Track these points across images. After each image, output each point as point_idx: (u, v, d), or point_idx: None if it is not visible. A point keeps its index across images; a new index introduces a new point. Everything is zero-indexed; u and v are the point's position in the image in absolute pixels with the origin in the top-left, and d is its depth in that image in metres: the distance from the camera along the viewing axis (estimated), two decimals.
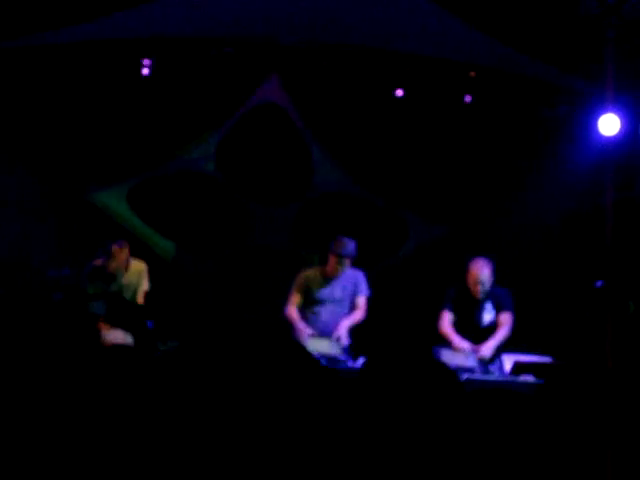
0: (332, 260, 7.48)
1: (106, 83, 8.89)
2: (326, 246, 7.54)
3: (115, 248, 7.74)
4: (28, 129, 9.00)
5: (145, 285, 7.93)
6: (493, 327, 7.22)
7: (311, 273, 7.63)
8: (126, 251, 7.80)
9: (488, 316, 7.25)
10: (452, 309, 7.28)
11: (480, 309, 7.26)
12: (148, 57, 8.66)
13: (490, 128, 8.94)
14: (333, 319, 7.46)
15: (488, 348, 7.01)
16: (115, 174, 9.44)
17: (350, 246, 7.46)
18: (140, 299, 7.90)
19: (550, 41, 7.99)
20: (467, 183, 9.12)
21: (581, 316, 8.16)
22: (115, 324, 7.06)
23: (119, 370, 6.25)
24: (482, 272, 7.18)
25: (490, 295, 7.25)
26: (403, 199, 9.32)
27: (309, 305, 7.56)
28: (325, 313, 7.53)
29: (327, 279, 7.56)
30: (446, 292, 7.38)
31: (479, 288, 7.17)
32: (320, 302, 7.54)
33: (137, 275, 7.92)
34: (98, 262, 7.81)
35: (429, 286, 7.97)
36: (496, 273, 7.34)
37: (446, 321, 7.27)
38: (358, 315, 7.51)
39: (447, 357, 6.48)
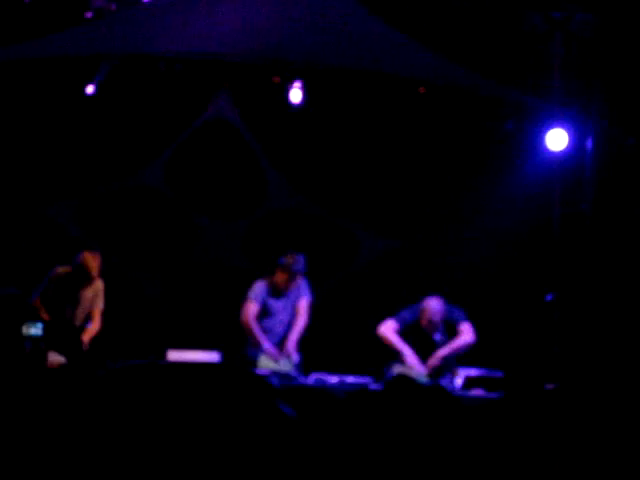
0: (281, 275, 7.45)
1: (59, 100, 8.83)
2: (275, 259, 7.52)
3: (87, 254, 7.58)
4: None
5: (101, 304, 7.73)
6: (444, 342, 7.27)
7: (264, 284, 7.59)
8: (98, 259, 7.61)
9: (440, 343, 7.27)
10: (401, 325, 7.32)
11: (432, 340, 7.29)
12: (96, 74, 8.60)
13: (439, 143, 8.98)
14: (283, 330, 7.48)
15: (437, 357, 7.06)
16: (68, 190, 9.34)
17: (300, 262, 7.46)
18: (96, 319, 7.69)
19: (497, 57, 8.07)
20: (417, 197, 9.14)
21: (531, 329, 8.23)
22: (51, 347, 6.89)
23: (61, 391, 6.20)
24: (435, 313, 7.24)
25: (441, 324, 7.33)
26: (353, 214, 9.33)
27: (261, 315, 7.53)
28: (277, 324, 7.52)
29: (279, 291, 7.53)
30: (403, 310, 7.41)
31: (432, 326, 7.23)
32: (272, 314, 7.52)
33: (94, 292, 7.72)
34: (63, 269, 7.66)
35: (380, 300, 7.95)
36: (445, 287, 7.41)
37: (390, 327, 7.30)
38: (301, 322, 7.50)
39: (399, 371, 6.49)
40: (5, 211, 9.16)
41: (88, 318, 7.72)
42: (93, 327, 7.66)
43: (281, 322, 7.54)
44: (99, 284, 7.73)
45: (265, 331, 7.45)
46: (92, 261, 7.53)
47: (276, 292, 7.54)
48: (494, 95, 7.88)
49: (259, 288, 7.54)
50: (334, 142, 9.20)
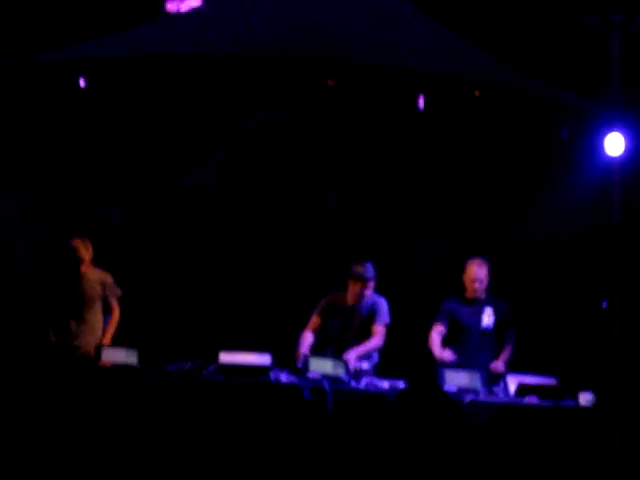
0: (353, 285, 7.38)
1: (113, 101, 8.90)
2: (344, 271, 7.45)
3: (77, 239, 7.57)
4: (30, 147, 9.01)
5: (115, 293, 7.69)
6: (493, 333, 7.20)
7: (334, 299, 7.52)
8: (89, 247, 7.58)
9: (487, 319, 7.24)
10: (445, 321, 7.26)
11: (479, 312, 7.24)
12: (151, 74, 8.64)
13: (494, 148, 8.89)
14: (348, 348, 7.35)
15: (499, 365, 7.01)
16: (122, 192, 9.42)
17: (370, 268, 7.40)
18: (115, 309, 7.67)
19: (555, 60, 7.95)
20: (471, 203, 9.06)
21: (587, 337, 8.10)
22: None
23: (121, 392, 6.24)
24: (478, 270, 7.24)
25: (491, 302, 7.25)
26: (408, 219, 9.27)
27: (327, 331, 7.48)
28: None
29: (349, 308, 7.45)
30: (440, 306, 7.35)
31: (476, 286, 7.21)
32: (341, 331, 7.46)
33: (99, 283, 7.68)
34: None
35: (430, 306, 7.86)
36: (499, 291, 7.33)
37: (435, 334, 7.29)
38: (373, 343, 7.37)
39: (451, 379, 6.42)
40: (60, 213, 9.27)
41: (94, 314, 7.67)
42: (114, 319, 7.67)
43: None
44: (104, 276, 7.69)
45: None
46: (82, 246, 7.55)
47: (347, 307, 7.45)
48: (551, 99, 7.77)
49: (325, 303, 7.53)
50: (390, 146, 9.17)
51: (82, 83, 8.62)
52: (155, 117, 9.27)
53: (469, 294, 7.28)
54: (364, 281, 7.35)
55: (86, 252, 7.51)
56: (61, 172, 9.23)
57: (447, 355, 7.06)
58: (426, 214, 9.14)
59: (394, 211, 9.26)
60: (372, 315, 7.44)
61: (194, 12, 8.43)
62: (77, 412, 6.16)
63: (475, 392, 6.39)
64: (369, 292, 7.41)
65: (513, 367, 7.25)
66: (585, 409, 6.05)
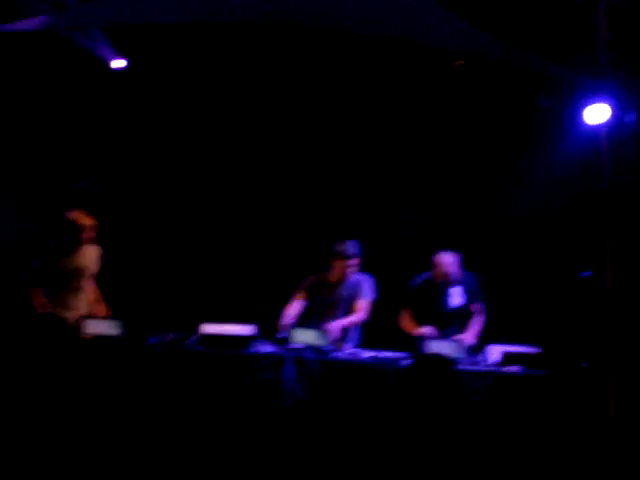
0: (337, 264, 7.41)
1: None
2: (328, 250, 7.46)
3: (71, 213, 7.45)
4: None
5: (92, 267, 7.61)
6: (461, 311, 7.24)
7: (318, 278, 7.55)
8: (92, 220, 7.47)
9: (456, 299, 7.29)
10: (412, 303, 7.35)
11: (445, 294, 7.29)
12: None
13: (476, 118, 8.88)
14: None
15: (472, 337, 7.04)
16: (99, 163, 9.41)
17: (353, 246, 7.42)
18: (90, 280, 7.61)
19: (537, 29, 7.91)
20: (454, 173, 9.07)
21: (568, 306, 8.13)
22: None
23: (103, 363, 6.24)
24: (446, 262, 7.26)
25: (461, 280, 7.32)
26: (392, 191, 9.27)
27: (310, 308, 7.50)
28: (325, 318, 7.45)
29: (333, 285, 7.49)
30: (408, 287, 7.41)
31: (441, 277, 7.27)
32: (324, 307, 7.49)
33: (96, 256, 7.62)
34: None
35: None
36: (470, 262, 7.36)
37: (405, 317, 7.37)
38: (356, 317, 7.41)
39: (436, 347, 6.45)
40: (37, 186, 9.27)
41: (89, 286, 7.60)
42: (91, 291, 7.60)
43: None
44: (94, 247, 7.61)
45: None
46: (81, 217, 7.44)
47: (329, 284, 7.48)
48: (535, 68, 7.74)
49: (307, 282, 7.55)
50: (370, 116, 9.15)
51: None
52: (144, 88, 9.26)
53: (439, 283, 7.30)
54: (346, 258, 7.37)
55: (86, 222, 7.44)
56: (36, 145, 9.22)
57: (425, 329, 7.09)
58: (410, 184, 9.14)
59: (378, 183, 9.26)
60: (356, 292, 7.46)
61: None
62: (58, 383, 6.16)
63: (457, 361, 6.42)
64: (352, 269, 7.42)
65: (495, 338, 7.27)
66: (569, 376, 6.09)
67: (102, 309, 7.50)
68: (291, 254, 9.09)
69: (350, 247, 7.42)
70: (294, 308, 7.41)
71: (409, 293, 7.41)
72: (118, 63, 8.94)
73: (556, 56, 7.73)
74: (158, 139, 9.48)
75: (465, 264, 7.39)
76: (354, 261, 7.42)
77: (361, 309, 7.40)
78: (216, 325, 6.65)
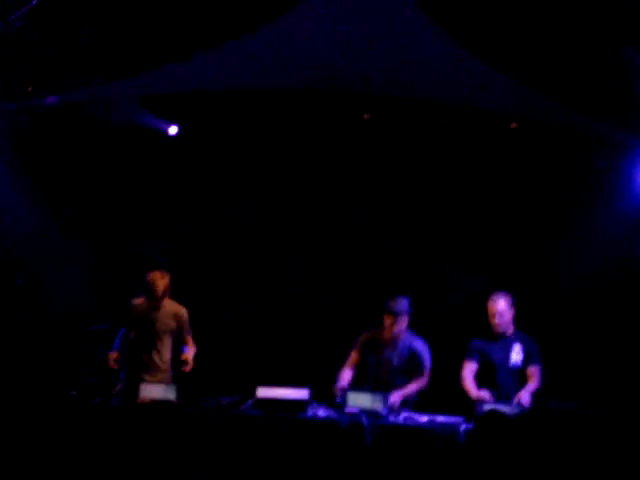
0: (386, 320, 7.39)
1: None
2: (379, 307, 7.45)
3: (154, 274, 7.53)
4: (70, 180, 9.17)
5: (189, 330, 7.66)
6: (521, 370, 7.16)
7: (372, 335, 7.53)
8: (166, 279, 7.54)
9: (516, 357, 7.21)
10: (476, 358, 7.26)
11: (507, 349, 7.20)
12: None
13: (530, 179, 8.86)
14: (390, 385, 7.33)
15: (524, 397, 6.93)
16: (159, 227, 9.53)
17: (403, 302, 7.41)
18: (191, 343, 7.62)
19: (591, 90, 7.91)
20: (507, 235, 9.03)
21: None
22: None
23: (160, 428, 6.24)
24: (498, 303, 7.18)
25: (519, 338, 7.24)
26: (442, 252, 9.25)
27: (365, 367, 7.48)
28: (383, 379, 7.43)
29: (386, 343, 7.45)
30: (469, 342, 7.34)
31: (496, 321, 7.16)
32: (378, 367, 7.46)
33: (174, 317, 7.63)
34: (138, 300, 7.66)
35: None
36: (533, 323, 7.27)
37: (467, 371, 7.26)
38: (417, 386, 7.37)
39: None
40: (99, 251, 9.39)
41: (168, 348, 7.63)
42: (190, 351, 7.57)
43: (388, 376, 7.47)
44: (181, 310, 7.66)
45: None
46: (159, 279, 7.49)
47: (384, 342, 7.46)
48: (590, 132, 7.74)
49: (362, 340, 7.53)
50: (423, 180, 9.18)
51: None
52: (197, 152, 9.41)
53: (494, 330, 7.23)
54: (395, 314, 7.34)
55: (162, 284, 7.52)
56: (104, 205, 9.38)
57: (484, 394, 7.00)
58: (461, 248, 9.11)
59: (430, 245, 9.25)
60: (413, 355, 7.43)
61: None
62: (115, 448, 6.17)
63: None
64: (402, 326, 7.39)
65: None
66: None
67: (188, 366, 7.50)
68: (345, 314, 9.07)
69: (399, 302, 7.39)
70: (348, 371, 7.40)
71: (471, 347, 7.31)
72: (172, 130, 9.14)
73: (610, 116, 7.73)
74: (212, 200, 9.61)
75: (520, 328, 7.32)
76: (403, 317, 7.38)
77: (424, 377, 7.38)
78: (272, 389, 6.63)
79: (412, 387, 7.33)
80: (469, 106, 8.09)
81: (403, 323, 7.40)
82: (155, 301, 7.52)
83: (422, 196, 9.23)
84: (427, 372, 7.40)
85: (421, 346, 7.45)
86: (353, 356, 7.49)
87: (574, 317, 8.51)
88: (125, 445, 6.20)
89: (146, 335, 7.56)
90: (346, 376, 7.37)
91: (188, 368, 7.43)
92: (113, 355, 7.36)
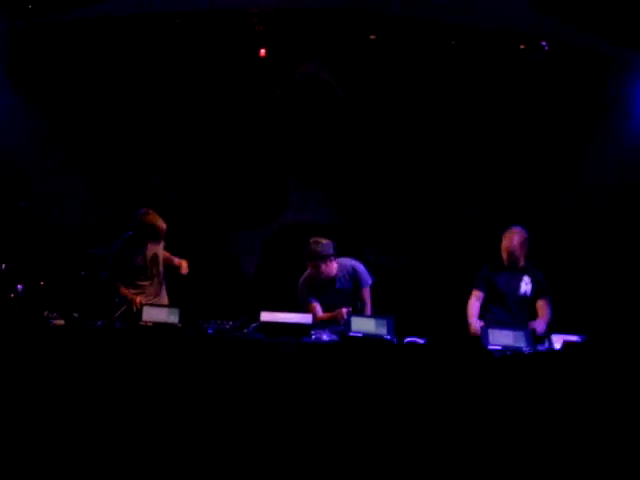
0: (309, 265, 7.29)
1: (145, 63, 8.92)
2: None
3: (153, 215, 7.36)
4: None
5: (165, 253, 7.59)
6: (530, 299, 7.14)
7: (308, 280, 7.38)
8: (159, 218, 7.37)
9: (525, 287, 7.18)
10: (483, 287, 7.22)
11: (516, 279, 7.17)
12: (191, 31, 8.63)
13: (541, 103, 8.73)
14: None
15: (540, 326, 6.91)
16: (159, 151, 9.43)
17: (326, 246, 7.28)
18: (175, 259, 7.56)
19: (603, 10, 7.74)
20: (518, 157, 8.94)
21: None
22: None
23: (162, 351, 6.23)
24: (512, 240, 7.12)
25: (529, 271, 7.21)
26: (450, 177, 9.16)
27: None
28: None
29: (324, 281, 7.33)
30: (478, 272, 7.29)
31: (507, 256, 7.13)
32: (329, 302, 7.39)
33: (157, 249, 7.56)
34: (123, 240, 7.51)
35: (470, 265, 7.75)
36: (538, 245, 7.22)
37: (474, 299, 7.24)
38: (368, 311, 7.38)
39: (497, 337, 6.34)
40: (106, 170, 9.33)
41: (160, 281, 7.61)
42: (182, 264, 7.50)
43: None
44: (161, 248, 7.58)
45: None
46: (160, 220, 7.36)
47: (320, 286, 7.35)
48: (599, 51, 7.60)
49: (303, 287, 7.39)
50: (434, 100, 9.05)
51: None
52: (196, 74, 9.25)
53: (504, 263, 7.20)
54: (322, 258, 7.21)
55: (163, 224, 7.38)
56: (103, 129, 9.27)
57: (478, 327, 6.96)
58: (473, 171, 9.03)
59: (437, 168, 9.16)
60: (356, 281, 7.37)
61: None
62: (118, 371, 6.16)
63: (519, 350, 6.29)
64: (333, 267, 7.27)
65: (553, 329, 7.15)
66: None
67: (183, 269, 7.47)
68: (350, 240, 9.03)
69: (324, 247, 7.26)
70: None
71: (480, 276, 7.25)
72: None
73: (622, 38, 7.58)
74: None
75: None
76: (332, 259, 7.25)
77: (367, 299, 7.38)
78: (275, 313, 6.60)
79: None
80: (478, 27, 7.94)
81: (333, 264, 7.29)
82: (155, 240, 7.43)
83: (433, 122, 9.11)
84: (368, 292, 7.37)
85: (358, 269, 7.38)
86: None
87: (586, 241, 8.47)
88: (128, 368, 6.19)
89: (137, 270, 7.53)
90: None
91: (184, 270, 7.41)
92: (139, 298, 7.30)
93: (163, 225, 7.39)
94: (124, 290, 7.40)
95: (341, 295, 7.37)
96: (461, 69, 8.79)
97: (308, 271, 7.37)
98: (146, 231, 7.38)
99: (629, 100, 7.91)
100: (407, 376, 6.06)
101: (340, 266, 7.36)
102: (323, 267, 7.25)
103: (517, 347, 6.28)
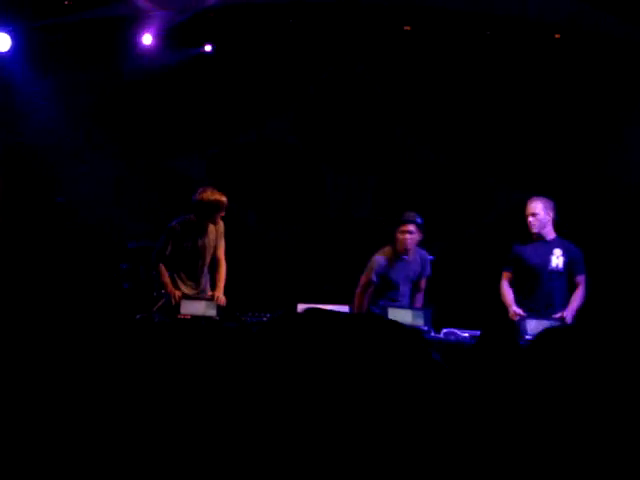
0: (398, 234, 7.25)
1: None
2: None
3: (217, 193, 7.03)
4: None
5: (223, 245, 7.34)
6: (563, 275, 6.97)
7: (383, 255, 7.37)
8: (219, 193, 7.03)
9: (556, 260, 6.96)
10: (511, 266, 7.09)
11: (547, 252, 6.96)
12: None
13: (572, 92, 8.67)
14: (406, 301, 7.35)
15: (572, 314, 6.81)
16: (196, 144, 9.44)
17: (413, 214, 7.28)
18: (223, 261, 7.31)
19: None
20: (548, 149, 8.87)
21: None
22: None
23: (200, 343, 6.25)
24: (534, 203, 6.93)
25: (561, 244, 7.00)
26: (485, 166, 9.12)
27: (384, 288, 7.37)
28: (401, 295, 7.37)
29: (400, 259, 7.32)
30: (508, 252, 7.16)
31: (530, 220, 6.91)
32: (396, 284, 7.36)
33: (215, 235, 7.29)
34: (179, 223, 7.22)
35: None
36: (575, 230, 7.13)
37: (504, 282, 7.11)
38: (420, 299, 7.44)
39: (534, 327, 6.30)
40: (138, 167, 9.35)
41: (213, 262, 7.35)
42: (222, 272, 7.32)
43: (403, 294, 7.40)
44: (220, 224, 7.27)
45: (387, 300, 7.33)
46: (216, 194, 7.04)
47: (398, 258, 7.31)
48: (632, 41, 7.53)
49: (377, 263, 7.34)
50: (466, 90, 9.00)
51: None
52: (228, 70, 9.27)
53: (531, 232, 7.04)
54: (416, 225, 7.19)
55: (222, 200, 7.05)
56: (136, 124, 9.31)
57: (518, 310, 6.87)
58: (506, 160, 8.98)
59: (472, 157, 9.12)
60: (423, 268, 7.44)
61: None
62: (157, 364, 6.20)
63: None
64: (416, 240, 7.25)
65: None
66: None
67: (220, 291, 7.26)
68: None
69: (418, 217, 7.28)
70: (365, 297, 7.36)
71: (509, 256, 7.13)
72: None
73: None
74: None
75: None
76: (419, 233, 7.24)
77: (423, 288, 7.46)
78: (312, 306, 6.60)
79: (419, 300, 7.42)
80: (512, 16, 7.89)
81: (417, 237, 7.27)
82: (215, 218, 7.14)
83: (467, 108, 9.07)
84: (425, 282, 7.47)
85: (428, 259, 7.45)
86: (367, 280, 7.34)
87: (620, 228, 8.38)
88: (167, 361, 6.23)
89: (190, 255, 7.26)
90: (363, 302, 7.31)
91: (220, 302, 7.17)
92: (178, 293, 7.17)
93: (224, 199, 7.07)
94: (166, 278, 7.12)
95: (408, 274, 7.36)
96: (496, 59, 8.74)
97: (387, 247, 7.32)
98: (208, 209, 7.07)
99: None
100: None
101: (414, 249, 7.35)
102: (411, 235, 7.18)
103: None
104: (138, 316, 6.66)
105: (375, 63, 9.20)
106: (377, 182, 9.52)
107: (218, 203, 7.03)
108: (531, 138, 8.88)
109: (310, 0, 8.20)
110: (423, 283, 7.46)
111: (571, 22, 7.81)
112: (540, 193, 7.16)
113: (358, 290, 7.34)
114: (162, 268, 7.13)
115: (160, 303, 7.06)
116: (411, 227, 7.17)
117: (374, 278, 7.27)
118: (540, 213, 6.93)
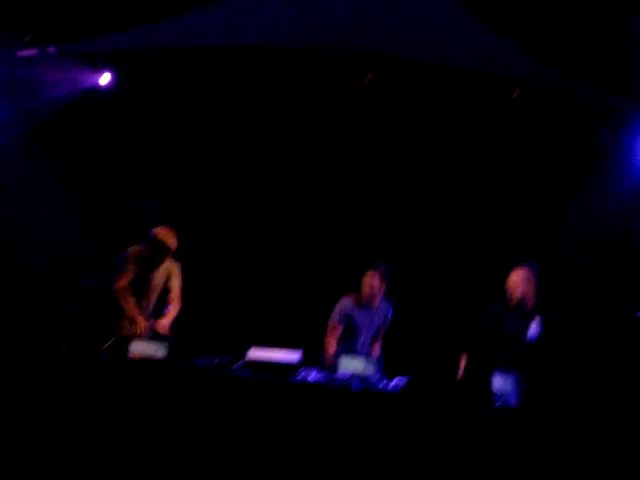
0: (368, 276, 7.38)
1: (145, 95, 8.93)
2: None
3: (165, 230, 7.34)
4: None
5: (178, 285, 7.58)
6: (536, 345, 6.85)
7: (349, 298, 7.54)
8: (174, 235, 7.33)
9: (533, 331, 6.84)
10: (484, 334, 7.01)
11: (525, 321, 6.85)
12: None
13: (532, 150, 8.78)
14: (366, 347, 7.56)
15: None
16: (151, 182, 9.41)
17: (387, 267, 7.40)
18: (177, 301, 7.56)
19: (593, 59, 7.81)
20: (508, 203, 8.96)
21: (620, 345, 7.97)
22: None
23: (150, 385, 6.18)
24: (515, 276, 6.85)
25: (541, 312, 6.91)
26: (443, 219, 9.18)
27: (346, 333, 7.52)
28: (362, 341, 7.54)
29: (365, 305, 7.48)
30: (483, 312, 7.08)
31: (511, 293, 6.84)
32: (359, 330, 7.52)
33: (167, 273, 7.55)
34: (137, 248, 7.45)
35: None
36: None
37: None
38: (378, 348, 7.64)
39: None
40: (91, 204, 9.28)
41: (161, 301, 7.55)
42: (174, 309, 7.55)
43: (365, 341, 7.55)
44: (174, 264, 7.55)
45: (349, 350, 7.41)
46: (169, 235, 7.32)
47: (363, 305, 7.51)
48: (590, 100, 7.65)
49: (343, 304, 7.51)
50: (423, 143, 9.09)
51: (108, 79, 8.76)
52: (189, 110, 9.27)
53: (509, 303, 6.93)
54: (379, 273, 7.38)
55: (175, 241, 7.36)
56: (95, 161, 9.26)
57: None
58: (461, 215, 9.04)
59: (429, 211, 9.18)
60: (386, 317, 7.65)
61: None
62: (103, 403, 6.11)
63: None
64: (381, 288, 7.45)
65: None
66: None
67: (165, 326, 7.45)
68: (340, 279, 9.02)
69: (385, 267, 7.41)
70: (333, 342, 7.44)
71: (482, 322, 6.98)
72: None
73: (612, 86, 7.63)
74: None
75: None
76: (384, 282, 7.42)
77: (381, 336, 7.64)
78: (264, 350, 6.54)
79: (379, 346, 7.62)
80: (471, 71, 7.99)
81: (383, 285, 7.42)
82: (165, 256, 7.39)
83: (424, 159, 9.15)
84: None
85: (390, 311, 7.63)
86: (337, 328, 7.48)
87: (574, 287, 8.46)
88: (113, 401, 6.14)
89: (139, 289, 7.46)
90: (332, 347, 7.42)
91: (162, 332, 7.39)
92: (142, 320, 7.30)
93: (173, 244, 7.33)
94: (130, 302, 7.34)
95: (372, 321, 7.54)
96: (455, 112, 8.84)
97: (354, 293, 7.49)
98: (157, 247, 7.33)
99: (619, 148, 7.95)
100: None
101: (380, 298, 7.54)
102: (379, 280, 7.37)
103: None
104: (86, 355, 6.56)
105: (333, 111, 9.25)
106: (332, 228, 9.54)
107: (165, 246, 7.30)
108: (490, 194, 8.98)
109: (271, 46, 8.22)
110: (382, 333, 7.63)
111: (528, 81, 7.93)
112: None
113: (327, 336, 7.49)
114: (125, 291, 7.32)
115: (109, 342, 6.97)
116: (376, 274, 7.29)
117: (338, 318, 7.45)
118: (520, 287, 6.81)
